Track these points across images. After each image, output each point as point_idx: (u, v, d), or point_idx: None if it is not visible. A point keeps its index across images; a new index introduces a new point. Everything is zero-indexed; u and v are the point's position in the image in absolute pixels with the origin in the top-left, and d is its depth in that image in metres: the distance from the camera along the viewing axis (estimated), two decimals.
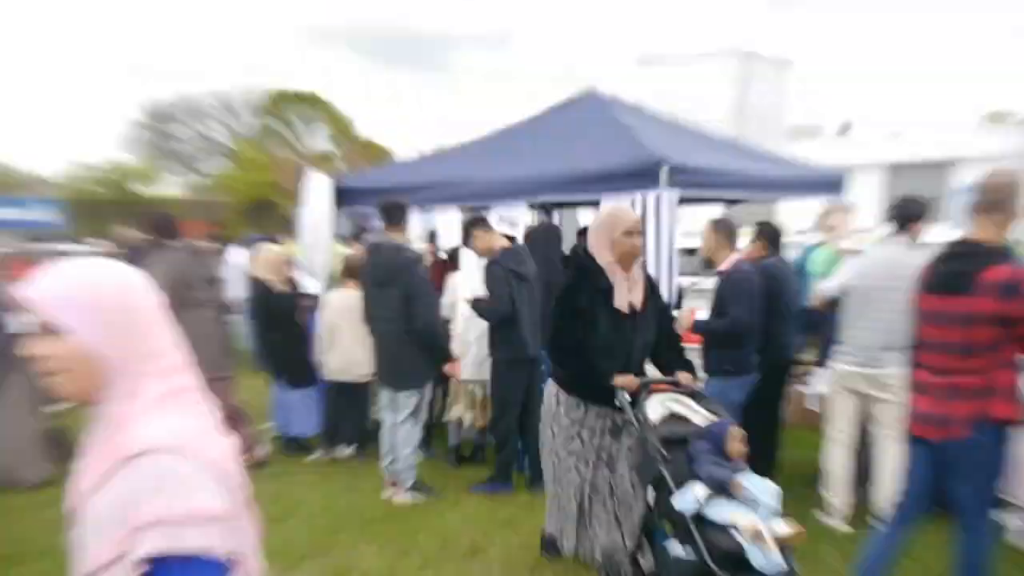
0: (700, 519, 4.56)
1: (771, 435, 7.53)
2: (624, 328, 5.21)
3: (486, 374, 7.71)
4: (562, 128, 9.28)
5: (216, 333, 8.03)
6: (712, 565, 4.37)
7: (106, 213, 29.59)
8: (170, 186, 50.63)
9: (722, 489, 4.57)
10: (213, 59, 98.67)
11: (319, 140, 53.76)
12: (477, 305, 7.32)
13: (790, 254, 8.23)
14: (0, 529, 6.94)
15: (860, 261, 6.60)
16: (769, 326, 7.09)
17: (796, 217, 16.04)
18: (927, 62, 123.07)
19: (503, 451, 7.66)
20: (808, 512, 6.71)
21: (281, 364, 8.99)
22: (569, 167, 8.27)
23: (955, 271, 4.43)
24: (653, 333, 5.44)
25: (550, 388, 5.49)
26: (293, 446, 9.06)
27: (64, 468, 8.86)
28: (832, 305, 6.68)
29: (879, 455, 6.48)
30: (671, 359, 5.51)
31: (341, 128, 53.51)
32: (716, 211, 10.34)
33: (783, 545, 4.36)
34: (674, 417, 5.17)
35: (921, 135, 35.98)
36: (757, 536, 4.32)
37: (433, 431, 8.71)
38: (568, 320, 5.21)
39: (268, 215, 35.03)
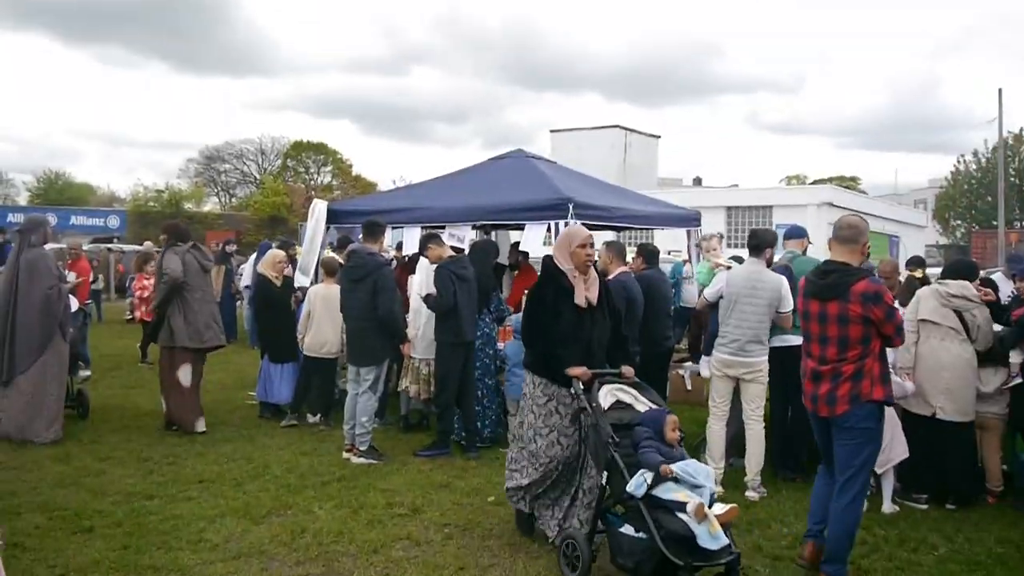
0: (651, 500, 4.03)
1: None
2: (583, 321, 4.80)
3: (432, 354, 7.25)
4: (498, 173, 9.24)
5: (204, 311, 7.51)
6: (661, 546, 3.86)
7: (160, 224, 28.97)
8: (211, 205, 50.65)
9: (657, 470, 4.06)
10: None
11: (325, 176, 54.13)
12: (427, 299, 6.94)
13: (664, 267, 8.17)
14: (3, 483, 5.95)
15: (729, 275, 6.31)
16: (649, 322, 6.82)
17: (667, 241, 16.17)
18: (752, 138, 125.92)
19: (443, 420, 6.99)
20: None
21: (269, 342, 8.35)
22: (503, 200, 8.36)
23: (832, 283, 4.36)
24: (609, 328, 4.97)
25: (526, 376, 4.96)
26: (270, 412, 8.19)
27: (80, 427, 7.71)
28: (711, 307, 6.38)
29: (748, 430, 6.08)
30: (617, 355, 5.00)
31: (342, 168, 53.79)
32: (610, 235, 10.28)
33: (723, 523, 3.93)
34: (621, 405, 4.66)
35: (749, 187, 36.70)
36: (702, 516, 3.86)
37: (387, 401, 7.87)
38: (537, 310, 4.88)
39: (281, 228, 34.78)
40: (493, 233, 10.39)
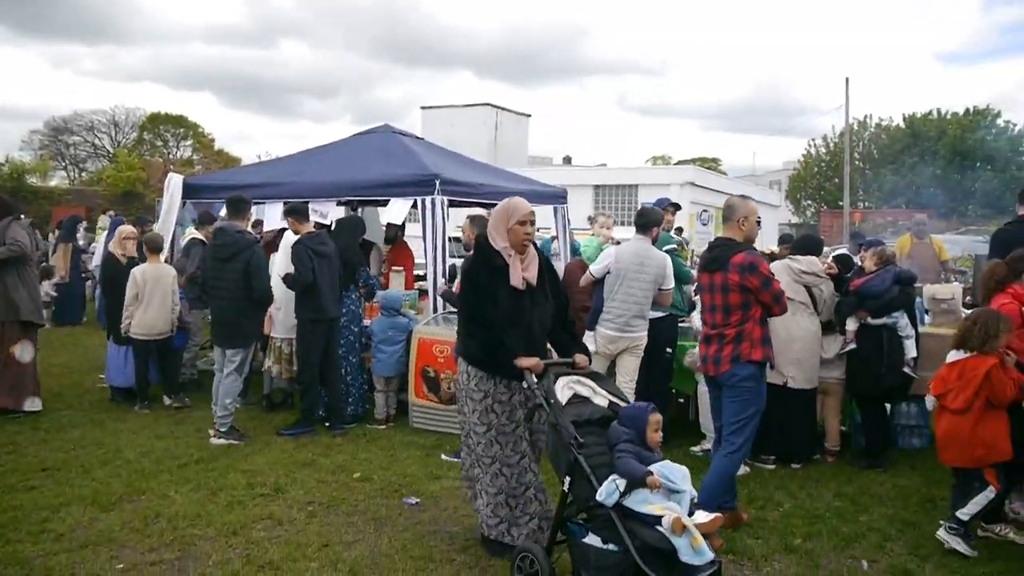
0: (622, 510, 3.58)
1: None
2: (522, 302, 4.30)
3: (294, 333, 7.04)
4: (364, 149, 9.00)
5: (28, 285, 7.15)
6: (637, 558, 3.42)
7: None
8: (58, 180, 47.51)
9: (642, 483, 3.59)
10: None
11: (185, 150, 51.78)
12: (286, 278, 6.76)
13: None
14: None
15: (618, 251, 6.32)
16: None
17: (537, 218, 16.14)
18: (621, 119, 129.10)
19: (306, 398, 6.83)
20: None
21: (113, 323, 7.82)
22: (369, 176, 8.18)
23: (716, 256, 4.80)
24: (551, 308, 4.48)
25: (460, 364, 4.46)
26: (121, 396, 7.75)
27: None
28: (597, 283, 6.37)
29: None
30: (566, 341, 4.57)
31: (203, 142, 51.61)
32: (479, 211, 10.29)
33: (704, 533, 3.48)
34: (578, 399, 4.13)
35: (616, 166, 37.62)
36: (681, 529, 3.41)
37: (250, 381, 7.62)
38: (473, 295, 4.36)
39: (136, 204, 33.08)
40: (360, 209, 10.23)
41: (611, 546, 3.57)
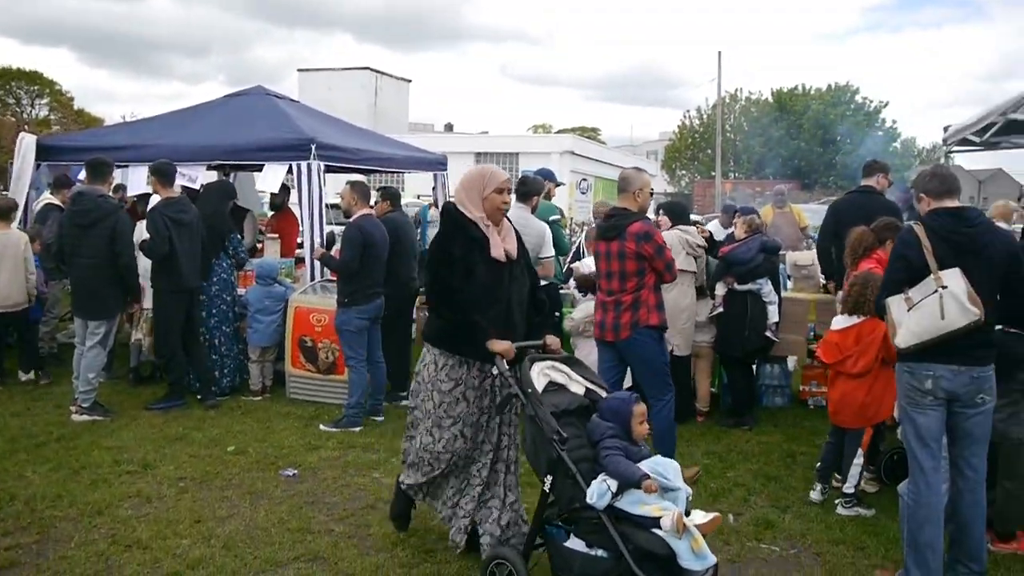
0: (614, 512, 3.22)
1: (403, 351, 7.02)
2: (501, 276, 3.90)
3: None
4: (236, 111, 8.68)
5: None
6: (634, 566, 3.07)
7: None
8: None
9: (636, 486, 3.23)
10: None
11: (41, 109, 48.35)
12: (143, 245, 6.46)
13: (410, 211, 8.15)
14: None
15: None
16: (393, 264, 6.54)
17: (418, 185, 16.13)
18: (504, 87, 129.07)
19: (172, 371, 6.59)
20: None
21: None
22: (241, 140, 7.91)
23: (613, 225, 4.96)
24: (528, 285, 4.10)
25: (427, 354, 3.99)
26: None
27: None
28: None
29: None
30: (537, 321, 4.13)
31: (60, 101, 48.33)
32: (358, 178, 10.13)
33: (705, 534, 3.16)
34: (554, 386, 3.71)
35: (498, 134, 37.70)
36: (683, 528, 3.07)
37: (115, 353, 7.23)
38: (444, 268, 3.86)
39: None
40: (233, 175, 9.87)
41: (600, 552, 3.24)
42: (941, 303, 3.48)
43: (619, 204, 5.10)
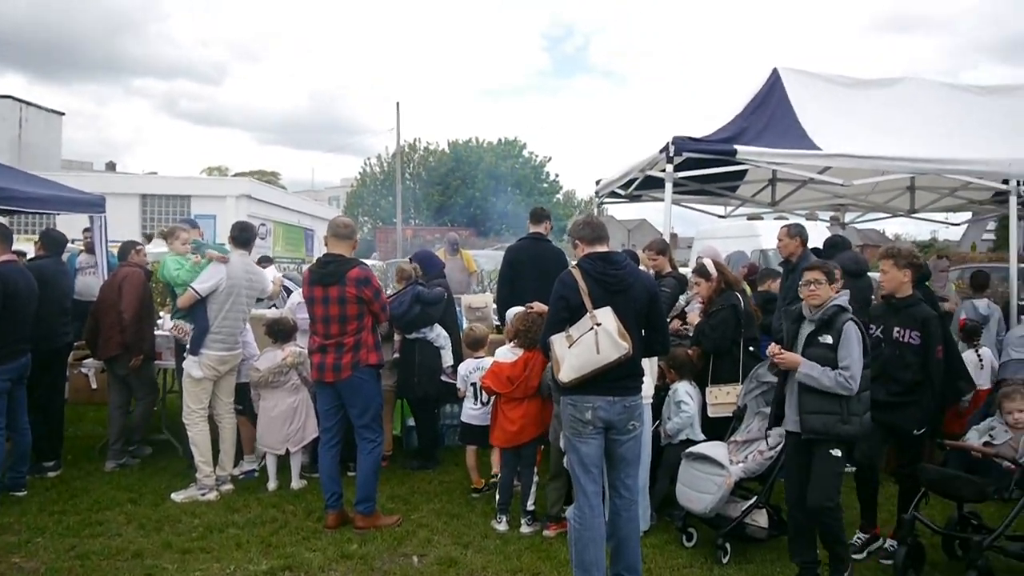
0: None
1: (56, 412, 6.41)
2: None
3: None
4: None
5: None
6: None
7: None
8: None
9: None
10: None
11: None
12: None
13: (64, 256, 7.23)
14: None
15: (229, 268, 5.84)
16: (43, 316, 5.97)
17: (73, 228, 14.56)
18: (171, 125, 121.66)
19: None
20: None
21: None
22: None
23: (331, 271, 5.13)
24: None
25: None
26: None
27: None
28: (200, 302, 5.75)
29: (223, 425, 6.04)
30: None
31: None
32: None
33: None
34: None
35: (168, 175, 35.58)
36: None
37: None
38: None
39: None
40: None
41: None
42: (596, 339, 3.88)
43: (335, 250, 5.25)
